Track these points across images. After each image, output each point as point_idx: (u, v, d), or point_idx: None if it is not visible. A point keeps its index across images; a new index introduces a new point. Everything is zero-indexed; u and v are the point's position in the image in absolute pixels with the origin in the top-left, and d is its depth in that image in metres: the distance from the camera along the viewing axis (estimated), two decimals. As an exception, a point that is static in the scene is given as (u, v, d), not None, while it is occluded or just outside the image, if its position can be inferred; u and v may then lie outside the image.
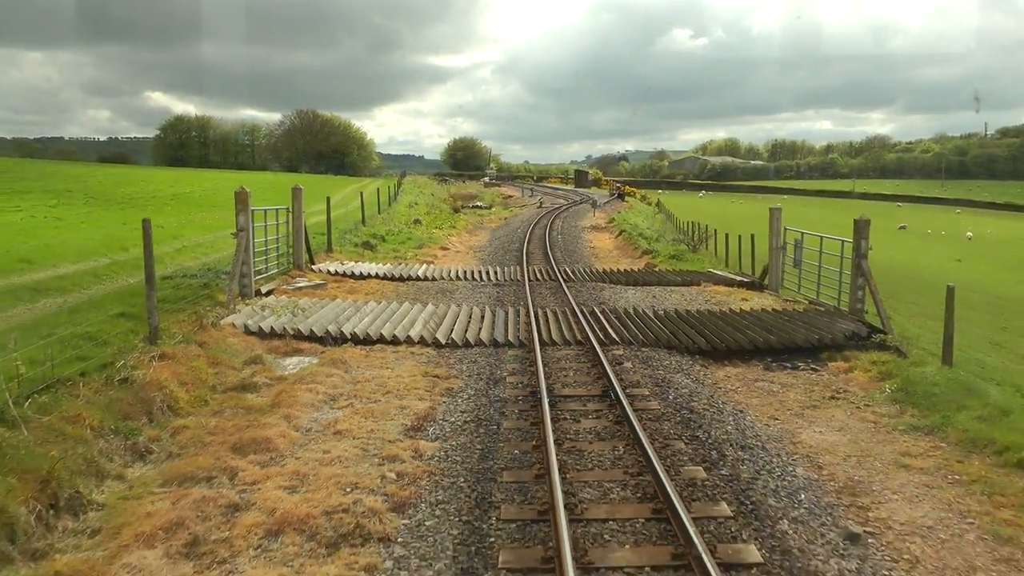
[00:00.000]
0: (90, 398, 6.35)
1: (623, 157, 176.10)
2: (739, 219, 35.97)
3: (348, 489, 5.23)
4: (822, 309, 12.40)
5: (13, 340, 7.05)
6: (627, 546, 4.55)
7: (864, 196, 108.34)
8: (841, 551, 4.65)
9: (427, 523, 4.85)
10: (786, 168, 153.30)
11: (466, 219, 36.22)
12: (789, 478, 5.79)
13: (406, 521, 4.85)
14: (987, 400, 7.68)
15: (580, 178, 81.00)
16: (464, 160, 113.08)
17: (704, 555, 4.16)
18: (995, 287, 25.12)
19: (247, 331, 9.50)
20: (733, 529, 4.84)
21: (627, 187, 63.44)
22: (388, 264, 17.30)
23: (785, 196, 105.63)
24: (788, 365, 9.36)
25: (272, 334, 9.55)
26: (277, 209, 14.05)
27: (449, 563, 4.35)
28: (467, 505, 5.12)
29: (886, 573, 4.43)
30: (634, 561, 4.35)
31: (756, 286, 15.30)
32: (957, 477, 5.94)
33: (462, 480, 5.53)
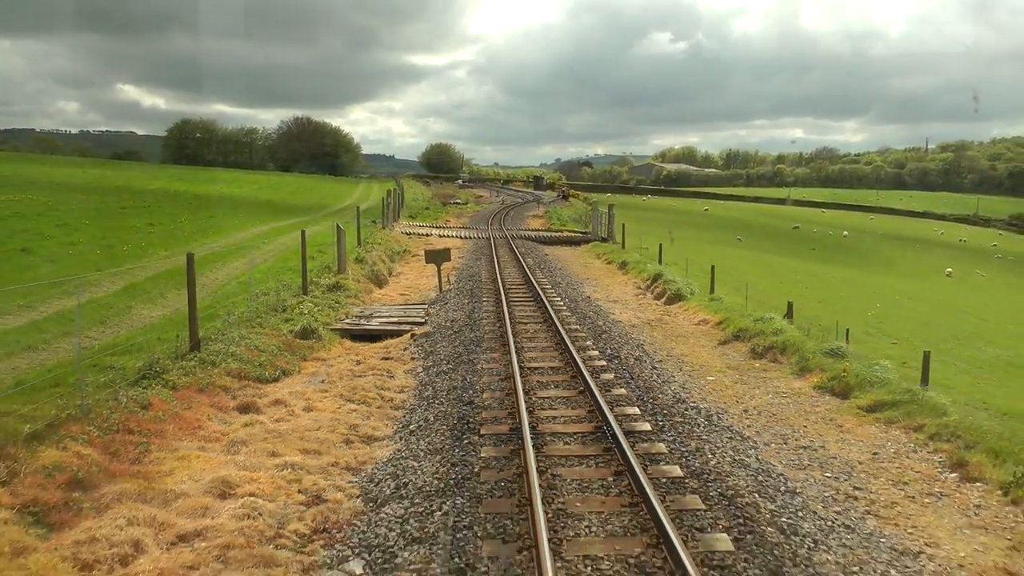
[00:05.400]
0: (385, 237, 29.53)
1: (586, 163, 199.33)
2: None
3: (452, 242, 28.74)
4: (598, 235, 35.86)
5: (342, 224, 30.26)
6: (507, 257, 27.96)
7: (798, 203, 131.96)
8: (541, 262, 28.05)
9: (470, 250, 28.44)
10: (736, 176, 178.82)
11: (452, 209, 59.42)
12: (545, 259, 29.11)
13: (467, 248, 28.41)
14: (624, 254, 31.15)
15: (537, 182, 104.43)
16: (440, 163, 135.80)
17: (523, 262, 27.63)
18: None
19: (403, 232, 32.75)
20: (530, 262, 28.17)
21: (572, 191, 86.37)
22: (428, 223, 40.60)
23: (721, 201, 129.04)
24: (567, 246, 33.00)
25: (411, 234, 32.86)
26: (390, 193, 37.13)
27: (476, 254, 27.76)
28: (478, 252, 28.59)
29: (555, 264, 27.81)
30: (506, 258, 27.76)
31: (587, 233, 38.71)
32: (593, 261, 29.50)
33: (474, 250, 28.99)
